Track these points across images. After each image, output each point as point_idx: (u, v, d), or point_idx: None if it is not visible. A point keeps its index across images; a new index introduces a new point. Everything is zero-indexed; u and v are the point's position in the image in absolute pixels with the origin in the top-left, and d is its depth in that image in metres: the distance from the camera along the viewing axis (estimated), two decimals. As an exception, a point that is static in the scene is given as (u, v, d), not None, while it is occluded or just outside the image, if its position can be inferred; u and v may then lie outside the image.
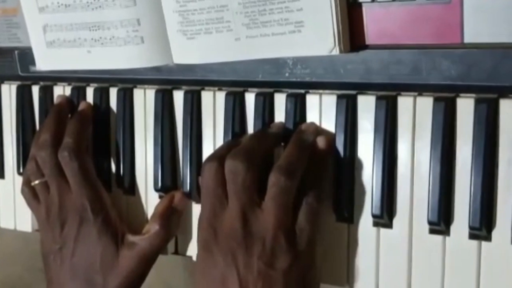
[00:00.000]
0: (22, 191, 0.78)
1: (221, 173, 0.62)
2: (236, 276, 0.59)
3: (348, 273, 0.65)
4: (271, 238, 0.60)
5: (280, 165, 0.61)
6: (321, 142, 0.64)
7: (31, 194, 0.78)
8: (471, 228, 0.58)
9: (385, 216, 0.62)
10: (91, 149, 0.79)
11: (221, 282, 0.60)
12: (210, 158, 0.64)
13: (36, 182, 0.77)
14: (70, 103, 0.80)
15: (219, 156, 0.63)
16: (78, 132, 0.75)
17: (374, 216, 0.62)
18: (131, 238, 0.73)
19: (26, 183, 0.78)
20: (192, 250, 0.75)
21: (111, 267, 0.72)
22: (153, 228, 0.72)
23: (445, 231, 0.60)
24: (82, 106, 0.79)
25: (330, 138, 0.64)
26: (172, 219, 0.73)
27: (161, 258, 0.76)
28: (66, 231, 0.73)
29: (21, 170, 0.84)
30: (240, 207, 0.61)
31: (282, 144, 0.66)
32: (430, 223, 0.60)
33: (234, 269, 0.60)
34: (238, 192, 0.61)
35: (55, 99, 0.82)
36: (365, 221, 0.64)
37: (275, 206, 0.60)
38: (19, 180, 0.85)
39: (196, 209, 0.73)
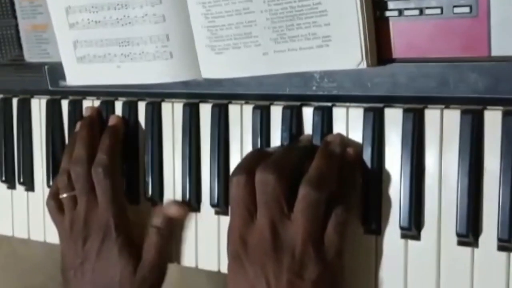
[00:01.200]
0: (48, 204, 0.80)
1: (250, 184, 0.62)
2: (266, 286, 0.60)
3: (376, 285, 0.65)
4: (300, 250, 0.60)
5: (310, 178, 0.61)
6: (349, 153, 0.64)
7: (56, 206, 0.79)
8: (499, 240, 0.59)
9: (413, 228, 0.62)
10: (121, 162, 0.80)
11: None
12: (239, 169, 0.65)
13: (65, 195, 0.78)
14: (100, 115, 0.82)
15: (248, 167, 0.64)
16: (112, 148, 0.77)
17: (402, 228, 0.63)
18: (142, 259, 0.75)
19: (53, 196, 0.79)
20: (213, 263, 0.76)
21: (129, 282, 0.73)
22: (152, 238, 0.75)
23: (474, 243, 0.60)
24: (113, 120, 0.80)
25: (358, 149, 0.64)
26: (169, 227, 0.76)
27: (185, 270, 0.77)
28: (89, 246, 0.75)
29: (50, 183, 0.86)
30: (269, 218, 0.61)
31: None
32: (458, 235, 0.60)
33: (264, 279, 0.60)
34: (268, 203, 0.61)
35: (84, 111, 0.83)
36: (393, 233, 0.64)
37: (304, 219, 0.61)
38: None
39: (224, 222, 0.73)
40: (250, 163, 0.64)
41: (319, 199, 0.61)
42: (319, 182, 0.61)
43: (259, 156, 0.65)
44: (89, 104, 0.84)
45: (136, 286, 0.73)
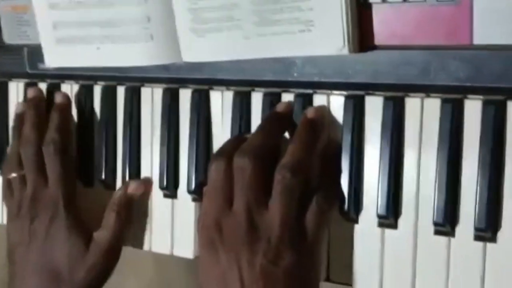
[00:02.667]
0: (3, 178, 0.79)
1: (229, 170, 0.62)
2: (237, 273, 0.59)
3: (353, 273, 0.64)
4: (276, 236, 0.59)
5: (285, 162, 0.61)
6: (331, 141, 0.64)
7: (6, 187, 0.78)
8: (476, 229, 0.58)
9: (391, 216, 0.62)
10: (98, 147, 0.80)
11: (223, 279, 0.60)
12: (218, 155, 0.64)
13: (14, 175, 0.77)
14: (43, 94, 0.82)
15: (227, 153, 0.63)
16: (61, 126, 0.77)
17: (379, 216, 0.62)
18: (95, 234, 0.73)
19: (3, 177, 0.79)
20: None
21: (78, 263, 0.72)
22: (110, 217, 0.74)
23: (450, 232, 0.60)
24: (59, 98, 0.80)
25: (338, 138, 0.64)
26: (128, 207, 0.75)
27: (161, 257, 0.76)
28: (36, 225, 0.74)
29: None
30: (246, 204, 0.61)
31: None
32: (435, 224, 0.60)
33: (236, 266, 0.60)
34: (245, 189, 0.61)
35: (28, 92, 0.82)
36: (371, 222, 0.64)
37: (280, 204, 0.60)
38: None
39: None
40: (229, 149, 0.64)
41: (295, 184, 0.60)
42: (295, 166, 0.60)
43: (239, 141, 0.65)
44: (68, 88, 0.83)
45: (85, 267, 0.72)
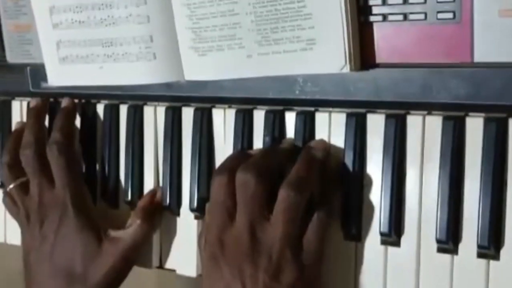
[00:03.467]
0: (3, 201, 0.79)
1: (231, 185, 0.62)
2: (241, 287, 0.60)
3: (356, 291, 0.65)
4: (278, 252, 0.60)
5: (290, 181, 0.61)
6: (332, 160, 0.64)
7: (9, 200, 0.78)
8: (479, 247, 0.58)
9: (393, 234, 0.62)
10: (101, 165, 0.80)
11: None
12: (220, 170, 0.64)
13: (11, 186, 0.77)
14: (46, 106, 0.82)
15: (229, 168, 0.63)
16: (66, 127, 0.77)
17: (382, 234, 0.62)
18: (113, 233, 0.73)
19: (4, 192, 0.79)
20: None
21: (93, 262, 0.72)
22: (134, 222, 0.73)
23: (453, 250, 0.60)
24: (65, 102, 0.81)
25: (340, 156, 0.64)
26: (154, 214, 0.74)
27: (164, 275, 0.76)
28: (46, 227, 0.74)
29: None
30: (248, 219, 0.61)
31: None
32: (438, 241, 0.60)
33: (239, 281, 0.60)
34: (247, 204, 0.61)
35: (30, 103, 0.83)
36: (373, 239, 0.64)
37: (283, 221, 0.60)
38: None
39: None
40: (232, 164, 0.64)
41: (299, 201, 0.60)
42: (300, 185, 0.61)
43: (241, 157, 0.65)
44: (71, 106, 0.83)
45: (101, 266, 0.71)
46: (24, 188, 0.77)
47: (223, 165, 0.65)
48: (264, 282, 0.59)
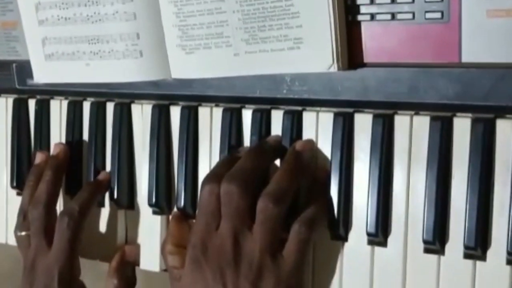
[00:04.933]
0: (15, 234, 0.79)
1: (218, 193, 0.63)
2: None
3: (342, 292, 0.64)
4: (258, 261, 0.61)
5: (269, 192, 0.61)
6: (319, 171, 0.64)
7: (19, 240, 0.78)
8: (466, 247, 0.58)
9: (380, 234, 0.62)
10: (87, 164, 0.79)
11: None
12: (209, 178, 0.64)
13: (23, 233, 0.77)
14: (67, 157, 0.80)
15: (218, 176, 0.63)
16: (88, 201, 0.75)
17: (369, 234, 0.62)
18: None
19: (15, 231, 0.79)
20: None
21: None
22: (112, 284, 0.75)
23: (440, 251, 0.60)
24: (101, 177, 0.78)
25: (327, 165, 0.64)
26: (127, 271, 0.76)
27: (150, 275, 0.76)
28: None
29: (14, 184, 0.85)
30: (232, 228, 0.62)
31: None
32: (425, 242, 0.60)
33: (221, 285, 0.61)
34: (231, 214, 0.62)
35: (53, 148, 0.81)
36: (360, 240, 0.63)
37: (262, 231, 0.61)
38: (13, 193, 0.85)
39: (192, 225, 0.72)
40: (220, 171, 0.64)
41: (277, 213, 0.61)
42: (278, 196, 0.61)
43: (229, 164, 0.65)
44: (57, 104, 0.82)
45: None
46: (29, 240, 0.76)
47: (212, 172, 0.66)
48: None
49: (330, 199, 0.64)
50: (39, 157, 0.80)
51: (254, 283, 0.60)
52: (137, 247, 0.77)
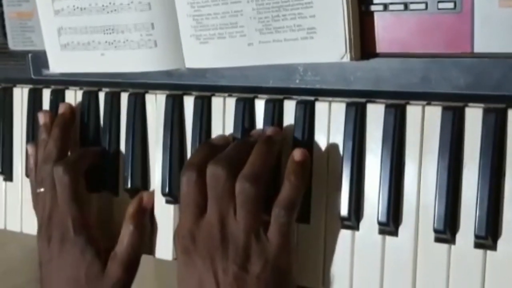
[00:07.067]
0: (32, 194, 0.80)
1: (200, 181, 0.64)
2: (213, 279, 0.62)
3: (352, 281, 0.65)
4: (243, 243, 0.62)
5: (244, 174, 0.62)
6: (296, 155, 0.65)
7: (35, 197, 0.79)
8: (476, 237, 0.58)
9: (391, 224, 0.62)
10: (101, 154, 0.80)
11: (200, 285, 0.62)
12: (189, 166, 0.65)
13: (42, 189, 0.78)
14: (74, 115, 0.81)
15: (198, 164, 0.64)
16: (62, 140, 0.78)
17: (380, 223, 0.63)
18: (112, 252, 0.74)
19: (32, 188, 0.80)
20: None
21: (97, 282, 0.73)
22: (127, 229, 0.74)
23: (451, 240, 0.60)
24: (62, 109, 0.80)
25: (305, 150, 0.65)
26: (144, 218, 0.75)
27: (163, 265, 0.76)
28: (52, 245, 0.75)
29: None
30: (219, 212, 0.63)
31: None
32: (436, 231, 0.60)
33: (212, 272, 0.62)
34: (218, 197, 0.63)
35: (60, 108, 0.82)
36: (371, 229, 0.64)
37: (243, 213, 0.62)
38: (27, 183, 0.86)
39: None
40: (199, 159, 0.65)
41: (254, 192, 0.62)
42: (253, 177, 0.62)
43: (209, 150, 0.66)
44: (72, 94, 0.83)
45: (108, 284, 0.73)
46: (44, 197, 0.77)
47: (190, 161, 0.67)
48: (234, 272, 0.61)
49: (342, 189, 0.64)
50: (42, 117, 0.81)
51: (242, 266, 0.61)
52: (153, 193, 0.76)
